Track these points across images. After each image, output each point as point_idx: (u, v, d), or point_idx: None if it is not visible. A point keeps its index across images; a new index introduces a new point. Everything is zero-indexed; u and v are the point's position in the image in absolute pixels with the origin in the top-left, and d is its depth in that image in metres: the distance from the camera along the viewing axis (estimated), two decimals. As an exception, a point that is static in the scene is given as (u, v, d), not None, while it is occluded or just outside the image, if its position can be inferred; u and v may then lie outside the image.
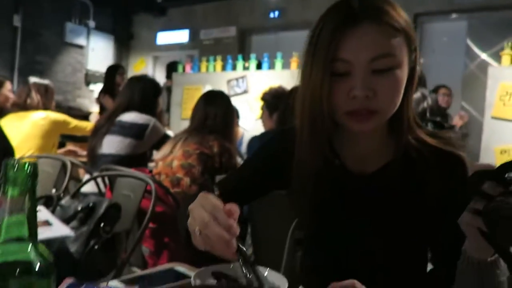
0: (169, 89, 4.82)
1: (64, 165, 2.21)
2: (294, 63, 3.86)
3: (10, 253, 0.42)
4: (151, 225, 1.91)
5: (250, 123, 3.97)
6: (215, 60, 4.41)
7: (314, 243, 1.01)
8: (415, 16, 4.86)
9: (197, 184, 2.04)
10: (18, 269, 0.42)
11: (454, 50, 5.04)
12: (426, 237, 0.89)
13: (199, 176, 2.04)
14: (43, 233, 1.10)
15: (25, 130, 2.68)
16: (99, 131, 2.35)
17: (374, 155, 0.89)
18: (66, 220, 1.37)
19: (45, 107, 2.83)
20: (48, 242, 1.20)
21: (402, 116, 0.84)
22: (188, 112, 2.72)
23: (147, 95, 2.41)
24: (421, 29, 5.07)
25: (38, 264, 0.43)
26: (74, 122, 2.97)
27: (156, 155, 2.29)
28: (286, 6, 5.87)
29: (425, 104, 2.41)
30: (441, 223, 0.84)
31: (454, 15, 5.06)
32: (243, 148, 2.97)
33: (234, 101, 2.49)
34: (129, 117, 2.32)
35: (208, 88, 4.06)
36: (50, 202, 1.52)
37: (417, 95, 2.34)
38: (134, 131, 2.30)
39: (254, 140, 2.51)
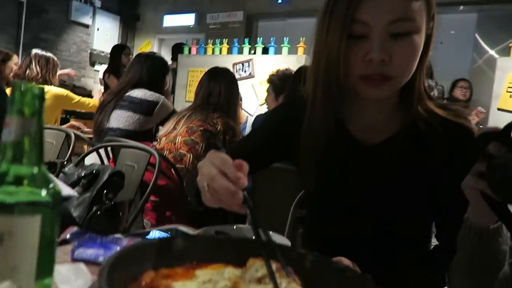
0: (174, 71, 4.80)
1: (67, 137, 2.21)
2: (301, 48, 3.84)
3: (16, 176, 0.42)
4: (153, 198, 1.91)
5: (254, 107, 3.96)
6: (221, 43, 4.39)
7: (317, 214, 1.01)
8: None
9: (199, 160, 2.04)
10: (24, 192, 0.41)
11: (462, 43, 5.00)
12: (430, 209, 0.89)
13: (202, 153, 2.04)
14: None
15: None
16: (107, 105, 2.34)
17: (382, 125, 0.88)
18: (69, 186, 1.36)
19: (45, 80, 2.80)
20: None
21: (414, 86, 0.83)
22: (192, 95, 2.72)
23: (156, 72, 2.41)
24: (429, 19, 5.00)
25: (45, 191, 0.43)
26: (76, 97, 2.96)
27: (160, 131, 2.29)
28: (294, -8, 5.81)
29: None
30: (448, 196, 0.84)
31: (462, 7, 5.00)
32: (247, 131, 2.97)
33: (239, 85, 2.48)
34: (139, 93, 2.32)
35: (213, 71, 4.04)
36: (53, 168, 1.52)
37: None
38: (144, 108, 2.30)
39: (258, 118, 2.51)
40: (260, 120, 2.43)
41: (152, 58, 2.47)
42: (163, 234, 0.85)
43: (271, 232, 0.73)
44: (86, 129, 2.98)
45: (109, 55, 4.85)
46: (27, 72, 2.75)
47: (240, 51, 4.23)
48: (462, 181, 0.64)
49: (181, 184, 1.95)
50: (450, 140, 0.84)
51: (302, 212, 1.76)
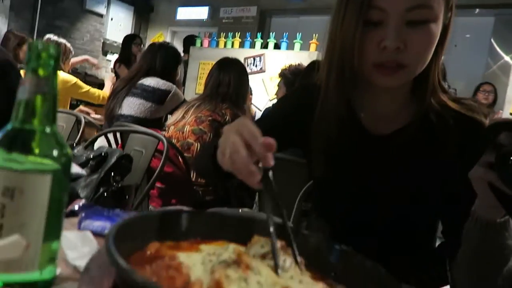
0: (185, 63, 4.81)
1: (78, 122, 2.23)
2: (313, 45, 3.83)
3: (28, 134, 0.42)
4: (159, 185, 1.92)
5: (264, 102, 3.96)
6: (233, 36, 4.39)
7: (323, 204, 1.01)
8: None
9: (207, 151, 2.05)
10: (36, 150, 0.42)
11: (477, 47, 4.94)
12: (438, 202, 0.88)
13: (209, 143, 2.05)
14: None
15: None
16: (119, 92, 2.36)
17: (393, 115, 0.88)
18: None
19: None
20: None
21: (428, 77, 0.83)
22: (202, 87, 2.73)
23: (168, 62, 2.42)
24: (444, 21, 4.95)
25: (56, 151, 0.43)
26: (85, 87, 2.91)
27: (168, 120, 2.30)
28: (309, -11, 5.78)
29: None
30: (456, 188, 0.83)
31: (478, 10, 4.93)
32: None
33: (249, 80, 2.48)
34: (152, 81, 2.33)
35: (224, 64, 4.04)
36: (63, 150, 1.53)
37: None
38: (156, 96, 2.32)
39: (266, 111, 2.51)
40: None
41: (165, 48, 2.49)
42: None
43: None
44: (95, 116, 2.99)
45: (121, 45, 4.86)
46: None
47: (252, 46, 4.23)
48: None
49: (188, 173, 1.96)
50: (461, 133, 0.83)
51: (307, 205, 1.75)
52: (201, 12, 6.70)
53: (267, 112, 1.15)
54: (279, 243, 0.52)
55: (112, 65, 5.62)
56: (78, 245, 0.54)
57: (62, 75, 2.78)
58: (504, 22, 4.77)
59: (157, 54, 2.39)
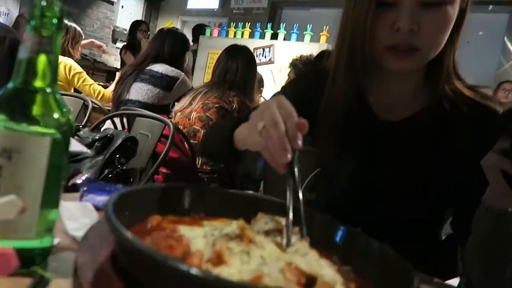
0: (194, 52, 4.79)
1: (85, 106, 2.23)
2: (324, 37, 3.79)
3: (29, 95, 0.41)
4: (164, 170, 1.92)
5: (272, 93, 3.93)
6: (244, 26, 4.35)
7: (328, 192, 0.99)
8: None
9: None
10: (35, 111, 0.40)
11: (490, 45, 4.86)
12: (447, 191, 0.86)
13: (215, 130, 2.03)
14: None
15: None
16: (127, 78, 2.36)
17: (405, 102, 0.85)
18: (83, 148, 1.37)
19: (63, 51, 2.71)
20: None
21: (443, 62, 0.80)
22: (211, 76, 2.71)
23: (176, 48, 2.41)
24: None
25: (57, 114, 0.42)
26: (89, 81, 2.77)
27: (175, 106, 2.29)
28: (321, -19, 5.72)
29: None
30: (468, 177, 0.81)
31: (492, 7, 4.84)
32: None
33: (258, 71, 2.44)
34: (160, 68, 2.32)
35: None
36: (69, 131, 1.53)
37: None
38: (165, 83, 2.31)
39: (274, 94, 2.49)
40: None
41: (174, 34, 2.48)
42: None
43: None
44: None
45: (129, 32, 4.82)
46: None
47: (262, 36, 4.20)
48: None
49: (193, 159, 1.95)
50: (475, 121, 0.81)
51: (311, 195, 1.74)
52: (212, 2, 6.66)
53: (275, 94, 1.13)
54: (287, 221, 0.51)
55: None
56: (78, 216, 0.53)
57: (69, 62, 2.71)
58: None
59: (165, 40, 2.38)
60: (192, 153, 1.90)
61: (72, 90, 2.89)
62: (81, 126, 1.59)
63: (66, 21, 2.87)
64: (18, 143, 0.39)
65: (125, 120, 2.03)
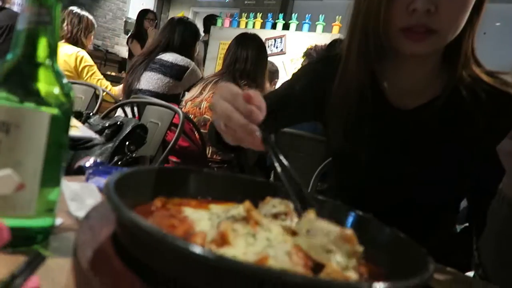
0: (205, 43, 4.76)
1: (96, 94, 2.23)
2: (336, 27, 3.73)
3: (28, 68, 0.39)
4: (174, 159, 1.91)
5: (283, 84, 3.90)
6: (255, 17, 4.31)
7: (340, 180, 0.97)
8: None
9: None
10: (34, 85, 0.39)
11: (507, 36, 4.74)
12: (462, 181, 0.83)
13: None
14: (71, 133, 1.10)
15: None
16: (138, 67, 2.35)
17: (420, 89, 0.82)
18: (93, 135, 1.37)
19: (76, 40, 2.69)
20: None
21: (461, 46, 0.77)
22: (222, 67, 2.69)
23: (187, 37, 2.40)
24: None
25: (57, 88, 0.41)
26: (97, 75, 2.73)
27: (185, 96, 2.28)
28: (334, -29, 5.63)
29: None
30: (484, 166, 0.78)
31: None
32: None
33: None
34: (170, 57, 2.31)
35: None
36: (80, 118, 1.53)
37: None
38: (174, 72, 2.30)
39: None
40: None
41: (184, 23, 2.46)
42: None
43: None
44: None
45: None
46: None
47: (274, 27, 4.15)
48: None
49: (203, 148, 1.94)
50: (493, 107, 0.77)
51: (323, 185, 1.72)
52: (223, -7, 6.62)
53: (286, 81, 1.11)
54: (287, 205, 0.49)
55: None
56: (82, 196, 0.52)
57: (82, 54, 2.67)
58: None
59: (175, 29, 2.37)
60: (202, 143, 1.89)
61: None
62: (91, 114, 1.59)
63: (79, 10, 2.87)
64: (16, 116, 0.38)
65: (135, 109, 2.03)
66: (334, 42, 2.12)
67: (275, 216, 0.49)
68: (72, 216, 0.51)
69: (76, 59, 2.62)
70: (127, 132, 1.36)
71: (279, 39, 4.06)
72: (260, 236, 0.40)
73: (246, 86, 2.03)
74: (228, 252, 0.36)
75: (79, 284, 0.34)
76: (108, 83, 2.82)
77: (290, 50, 3.98)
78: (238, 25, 4.45)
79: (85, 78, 2.67)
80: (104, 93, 2.37)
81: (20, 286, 0.28)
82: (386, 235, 0.49)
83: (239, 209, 0.46)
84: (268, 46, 4.08)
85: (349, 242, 0.37)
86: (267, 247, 0.38)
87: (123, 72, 3.86)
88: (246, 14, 4.44)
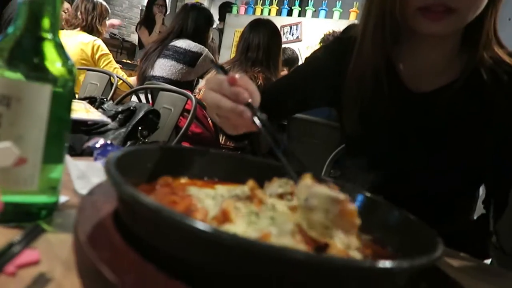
0: (220, 31, 4.74)
1: (111, 81, 2.25)
2: (354, 13, 3.65)
3: (30, 41, 0.39)
4: (187, 145, 1.92)
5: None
6: (271, 4, 4.26)
7: (353, 169, 0.95)
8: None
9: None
10: (36, 58, 0.39)
11: (533, 22, 4.56)
12: (481, 166, 0.80)
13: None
14: (83, 116, 1.12)
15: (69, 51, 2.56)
16: (151, 54, 2.35)
17: (437, 71, 0.79)
18: (106, 120, 1.38)
19: (91, 28, 2.68)
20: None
21: (483, 26, 0.73)
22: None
23: (200, 23, 2.39)
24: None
25: (59, 63, 0.40)
26: (113, 64, 2.72)
27: (199, 84, 2.28)
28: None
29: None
30: (504, 150, 0.75)
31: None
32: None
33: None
34: (183, 43, 2.31)
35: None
36: (94, 104, 1.54)
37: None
38: (188, 58, 2.30)
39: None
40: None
41: (197, 9, 2.45)
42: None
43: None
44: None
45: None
46: (73, 18, 2.64)
47: (289, 13, 4.09)
48: None
49: (216, 135, 1.94)
50: None
51: (336, 173, 1.70)
52: (239, -20, 6.56)
53: (299, 65, 1.09)
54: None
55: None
56: (88, 175, 0.52)
57: (98, 43, 2.65)
58: None
59: (188, 15, 2.36)
60: (215, 129, 1.89)
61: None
62: (105, 100, 1.60)
63: (93, -3, 2.87)
64: (17, 90, 0.37)
65: (149, 95, 2.03)
66: (350, 28, 2.08)
67: (281, 196, 0.48)
68: (78, 194, 0.51)
69: (92, 48, 2.63)
70: (139, 117, 1.37)
71: (295, 26, 4.00)
72: (263, 215, 0.39)
73: (260, 73, 2.01)
74: (229, 229, 0.36)
75: (78, 258, 0.34)
76: (122, 73, 2.82)
77: (306, 37, 3.92)
78: (254, 12, 4.40)
79: (101, 67, 2.69)
80: (120, 81, 2.39)
81: (16, 254, 0.28)
82: (395, 217, 0.47)
83: (243, 188, 0.46)
84: (284, 34, 4.03)
85: (342, 205, 0.35)
86: (270, 226, 0.37)
87: (136, 60, 3.85)
88: (261, 1, 4.38)
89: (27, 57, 0.38)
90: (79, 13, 2.65)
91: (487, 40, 0.75)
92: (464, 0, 0.67)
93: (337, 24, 3.66)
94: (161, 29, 4.09)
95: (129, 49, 5.49)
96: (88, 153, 0.73)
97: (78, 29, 2.67)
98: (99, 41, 2.66)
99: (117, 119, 1.39)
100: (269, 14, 4.26)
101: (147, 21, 4.36)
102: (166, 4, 4.60)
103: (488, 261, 0.86)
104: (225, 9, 4.80)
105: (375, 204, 0.51)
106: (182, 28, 2.36)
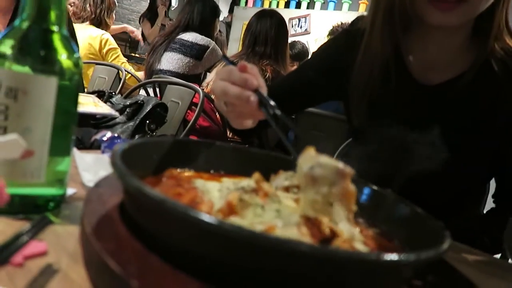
0: (228, 25, 4.72)
1: (119, 75, 2.26)
2: (363, 5, 3.61)
3: (37, 33, 0.39)
4: (195, 138, 1.92)
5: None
6: (280, -5, 4.24)
7: (360, 163, 0.94)
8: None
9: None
10: (43, 51, 0.39)
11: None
12: (491, 161, 0.79)
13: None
14: (92, 110, 1.12)
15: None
16: (158, 47, 2.35)
17: (447, 63, 0.78)
18: (114, 114, 1.38)
19: (100, 21, 2.68)
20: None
21: (494, 17, 0.72)
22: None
23: (205, 16, 2.38)
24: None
25: (65, 55, 0.40)
26: (121, 58, 2.71)
27: (207, 77, 2.27)
28: None
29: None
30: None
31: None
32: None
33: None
34: (190, 37, 2.30)
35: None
36: (102, 97, 1.55)
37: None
38: (195, 51, 2.29)
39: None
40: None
41: (203, 1, 2.44)
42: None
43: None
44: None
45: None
46: (82, 12, 2.64)
47: (298, 6, 4.06)
48: None
49: (224, 129, 1.94)
50: None
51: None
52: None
53: (307, 59, 1.08)
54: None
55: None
56: (95, 167, 0.52)
57: (106, 37, 2.63)
58: None
59: (194, 8, 2.35)
60: (222, 123, 1.88)
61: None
62: (114, 93, 1.61)
63: (99, -11, 2.86)
64: (24, 82, 0.37)
65: (157, 89, 2.04)
66: (358, 20, 2.06)
67: (287, 189, 0.48)
68: (85, 186, 0.51)
69: (100, 42, 2.63)
70: (147, 111, 1.37)
71: (304, 19, 3.97)
72: (269, 207, 0.39)
73: (268, 66, 2.00)
74: (235, 221, 0.36)
75: (84, 249, 0.34)
76: (131, 66, 2.82)
77: (314, 29, 3.89)
78: (262, 5, 4.38)
79: (109, 61, 2.69)
80: (128, 76, 2.39)
81: (23, 245, 0.28)
82: (402, 210, 0.47)
83: (249, 181, 0.45)
84: (292, 26, 4.01)
85: (346, 182, 0.35)
86: (275, 218, 0.37)
87: (139, 52, 3.84)
88: (270, -7, 4.36)
89: (34, 49, 0.38)
90: (87, 5, 2.65)
91: (499, 31, 0.73)
92: None
93: (346, 16, 3.63)
94: (164, 22, 4.09)
95: (135, 42, 5.50)
96: (96, 146, 0.74)
97: (87, 22, 2.68)
98: (107, 35, 2.66)
99: (125, 112, 1.40)
100: (277, 6, 4.24)
101: (150, 13, 4.35)
102: None
103: (498, 256, 0.85)
104: (233, 1, 4.79)
105: (382, 197, 0.51)
106: (189, 21, 2.35)
